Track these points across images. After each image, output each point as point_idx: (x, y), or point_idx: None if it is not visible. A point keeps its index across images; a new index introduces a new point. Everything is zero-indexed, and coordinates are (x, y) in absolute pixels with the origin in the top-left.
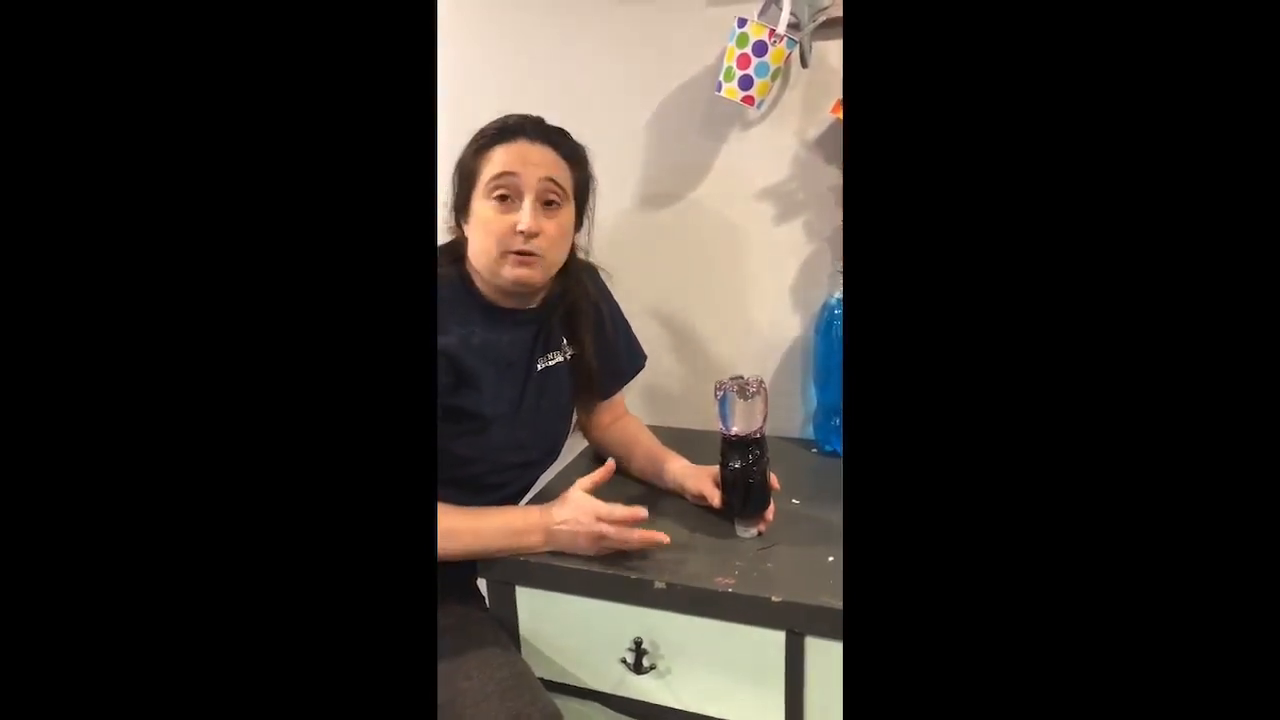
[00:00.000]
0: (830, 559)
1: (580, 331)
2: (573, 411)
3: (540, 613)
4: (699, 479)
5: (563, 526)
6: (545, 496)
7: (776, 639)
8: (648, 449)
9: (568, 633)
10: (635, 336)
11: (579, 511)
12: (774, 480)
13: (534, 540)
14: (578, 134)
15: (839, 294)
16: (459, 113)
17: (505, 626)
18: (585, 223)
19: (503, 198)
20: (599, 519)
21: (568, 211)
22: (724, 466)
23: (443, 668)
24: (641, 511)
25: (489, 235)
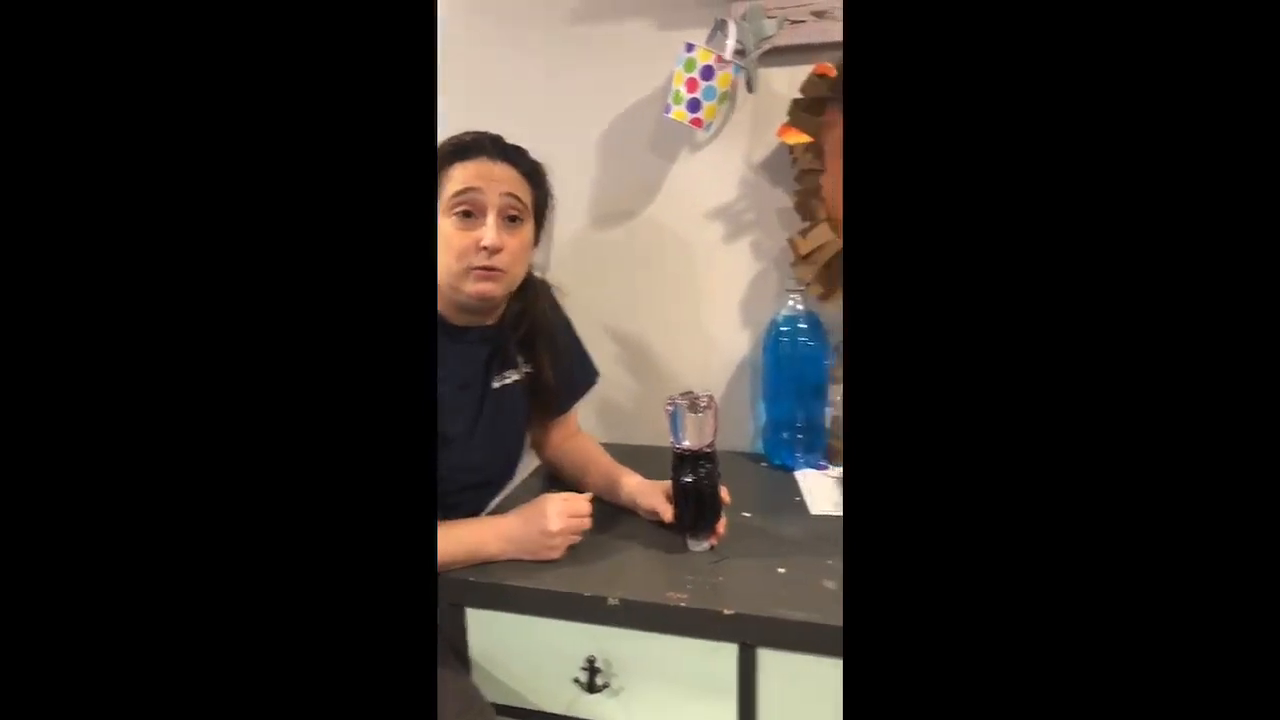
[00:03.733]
0: (781, 570)
1: (538, 349)
2: (526, 431)
3: (490, 634)
4: (651, 494)
5: (553, 530)
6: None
7: (729, 652)
8: (601, 466)
9: (519, 654)
10: (587, 352)
11: (567, 509)
12: (725, 494)
13: (493, 549)
14: (531, 152)
15: (786, 311)
16: None
17: (454, 648)
18: (543, 239)
19: (465, 214)
20: (574, 515)
21: (528, 227)
22: (675, 481)
23: None
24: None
25: (450, 251)
